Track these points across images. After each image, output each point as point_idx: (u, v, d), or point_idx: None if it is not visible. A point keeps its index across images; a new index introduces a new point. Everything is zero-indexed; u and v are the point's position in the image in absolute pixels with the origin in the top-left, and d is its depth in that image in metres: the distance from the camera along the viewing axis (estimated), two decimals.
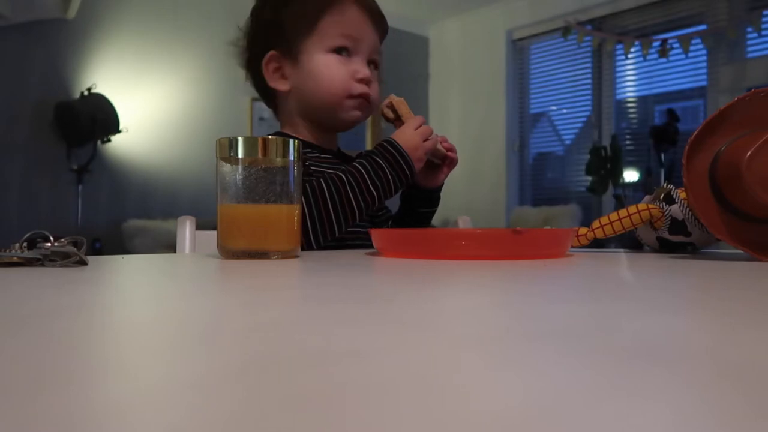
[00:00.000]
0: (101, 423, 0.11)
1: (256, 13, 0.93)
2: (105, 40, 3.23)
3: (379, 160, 0.81)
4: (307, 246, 0.78)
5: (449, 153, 0.92)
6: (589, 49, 3.86)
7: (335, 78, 0.87)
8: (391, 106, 0.90)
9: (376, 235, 0.62)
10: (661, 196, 0.71)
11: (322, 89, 0.88)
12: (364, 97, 0.89)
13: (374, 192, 0.80)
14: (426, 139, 0.85)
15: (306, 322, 0.22)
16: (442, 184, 0.96)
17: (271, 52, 0.90)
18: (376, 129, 4.20)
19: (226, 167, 0.60)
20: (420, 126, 0.85)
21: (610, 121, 3.84)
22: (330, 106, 0.89)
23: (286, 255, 0.59)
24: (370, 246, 0.83)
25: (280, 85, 0.91)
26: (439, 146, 0.90)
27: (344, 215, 0.78)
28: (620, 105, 3.85)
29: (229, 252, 0.59)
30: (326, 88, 0.88)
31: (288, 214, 0.59)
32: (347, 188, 0.78)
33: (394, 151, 0.82)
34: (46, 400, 0.12)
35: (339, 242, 0.86)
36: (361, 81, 0.88)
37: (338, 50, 0.88)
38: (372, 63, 0.92)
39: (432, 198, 0.97)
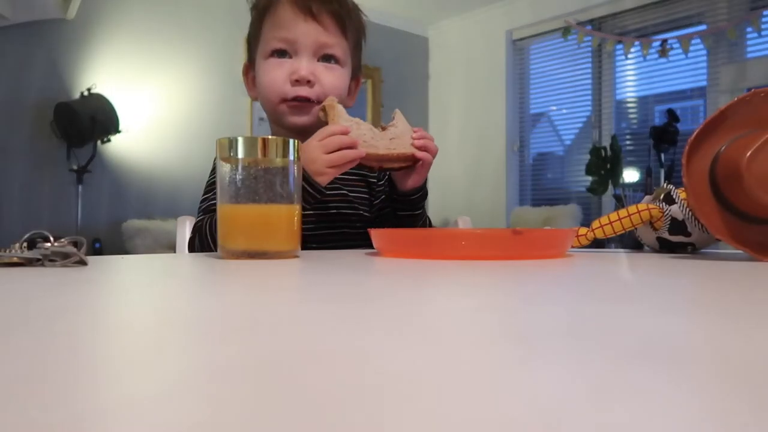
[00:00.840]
0: (101, 423, 0.11)
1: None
2: (105, 40, 3.22)
3: None
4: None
5: (418, 153, 0.81)
6: (589, 49, 3.86)
7: (270, 83, 0.84)
8: (324, 109, 0.81)
9: (376, 235, 0.62)
10: (661, 196, 0.71)
11: (263, 97, 0.87)
12: (300, 100, 0.83)
13: None
14: (331, 151, 0.74)
15: (306, 323, 0.22)
16: (421, 187, 0.87)
17: (245, 63, 0.93)
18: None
19: (226, 167, 0.60)
20: (325, 138, 0.75)
21: (610, 121, 3.84)
22: (272, 113, 0.87)
23: (285, 255, 0.59)
24: (363, 247, 0.83)
25: (252, 93, 0.92)
26: (403, 150, 0.80)
27: None
28: (620, 105, 3.85)
29: (229, 252, 0.59)
30: (265, 95, 0.86)
31: (288, 214, 0.59)
32: None
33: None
34: (46, 400, 0.12)
35: (330, 245, 0.86)
36: (298, 82, 0.83)
37: (279, 53, 0.84)
38: (331, 59, 0.85)
39: (410, 201, 0.87)
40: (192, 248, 0.79)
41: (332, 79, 0.85)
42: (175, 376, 0.14)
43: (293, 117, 0.85)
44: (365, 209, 0.93)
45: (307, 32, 0.83)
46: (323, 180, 0.75)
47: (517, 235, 0.56)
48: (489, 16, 4.24)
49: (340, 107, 0.80)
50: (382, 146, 0.80)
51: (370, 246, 0.65)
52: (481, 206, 4.22)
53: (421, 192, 0.87)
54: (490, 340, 0.19)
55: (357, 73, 0.94)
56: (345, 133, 0.76)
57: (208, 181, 0.89)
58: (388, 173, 0.90)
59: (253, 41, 0.89)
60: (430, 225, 0.98)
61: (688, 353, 0.17)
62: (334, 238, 0.88)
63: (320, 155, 0.74)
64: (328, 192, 0.87)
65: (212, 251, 0.73)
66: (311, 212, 0.85)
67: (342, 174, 0.90)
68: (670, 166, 3.20)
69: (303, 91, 0.83)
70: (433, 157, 0.84)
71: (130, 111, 3.20)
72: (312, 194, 0.75)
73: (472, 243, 0.59)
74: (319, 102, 0.83)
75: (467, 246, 0.58)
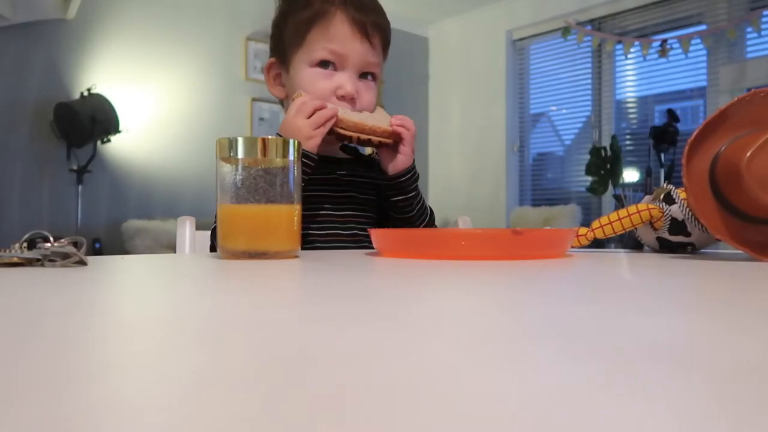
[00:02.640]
0: (101, 423, 0.11)
1: (273, 20, 0.93)
2: (105, 40, 3.23)
3: None
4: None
5: (396, 128, 0.84)
6: (589, 49, 3.86)
7: (314, 93, 0.85)
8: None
9: (376, 235, 0.62)
10: (661, 196, 0.71)
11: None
12: None
13: None
14: (310, 115, 0.79)
15: (306, 323, 0.22)
16: (409, 169, 0.88)
17: (271, 59, 0.93)
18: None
19: (226, 167, 0.60)
20: (299, 107, 0.79)
21: (610, 121, 3.84)
22: None
23: (285, 255, 0.59)
24: (361, 248, 0.83)
25: (277, 92, 0.94)
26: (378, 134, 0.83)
27: None
28: (620, 105, 3.85)
29: (229, 252, 0.59)
30: None
31: (288, 214, 0.59)
32: None
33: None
34: (46, 399, 0.12)
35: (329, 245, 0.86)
36: (343, 98, 0.85)
37: (324, 63, 0.86)
38: (369, 75, 0.89)
39: (400, 185, 0.88)
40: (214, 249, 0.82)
41: (370, 96, 0.89)
42: (174, 376, 0.14)
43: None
44: (375, 212, 0.94)
45: (359, 51, 0.86)
46: (314, 143, 0.79)
47: (517, 236, 0.56)
48: (489, 16, 4.24)
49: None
50: (358, 117, 0.83)
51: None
52: (481, 206, 4.22)
53: (410, 174, 0.89)
54: (490, 340, 0.19)
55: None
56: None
57: None
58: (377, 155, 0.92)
59: (291, 44, 0.89)
60: (432, 214, 0.97)
61: (688, 353, 0.17)
62: (344, 239, 0.88)
63: (302, 122, 0.79)
64: (339, 195, 0.89)
65: None
66: (322, 213, 0.87)
67: (352, 177, 0.91)
68: (670, 166, 3.20)
69: (346, 106, 0.85)
70: (412, 135, 0.86)
71: (130, 111, 3.20)
72: (307, 163, 0.79)
73: (472, 243, 0.59)
74: None
75: (467, 246, 0.58)
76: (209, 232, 0.85)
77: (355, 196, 0.92)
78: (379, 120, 0.85)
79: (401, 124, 0.85)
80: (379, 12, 0.89)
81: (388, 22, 0.91)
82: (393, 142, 0.85)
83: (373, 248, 0.67)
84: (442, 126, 4.54)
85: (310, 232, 0.86)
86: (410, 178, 0.89)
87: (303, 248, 0.83)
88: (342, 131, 0.81)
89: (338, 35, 0.85)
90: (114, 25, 3.25)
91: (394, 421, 0.11)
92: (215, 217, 0.85)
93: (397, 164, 0.87)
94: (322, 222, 0.88)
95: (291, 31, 0.89)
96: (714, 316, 0.25)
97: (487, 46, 4.27)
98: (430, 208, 0.96)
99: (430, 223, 0.96)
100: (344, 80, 0.85)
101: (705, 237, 0.69)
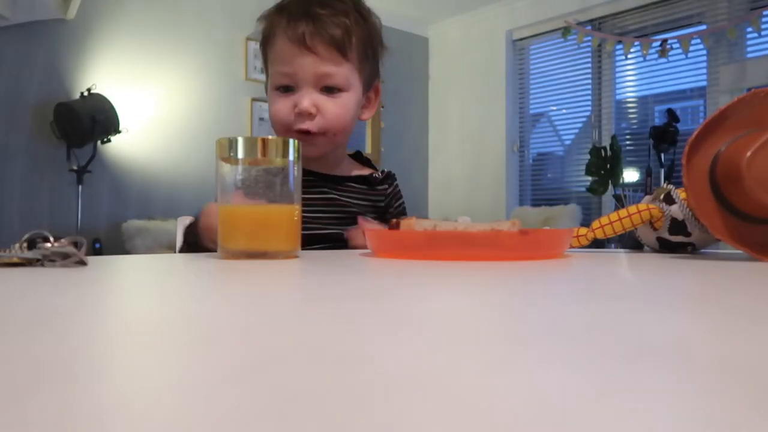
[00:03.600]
0: (101, 423, 0.11)
1: None
2: (105, 40, 3.22)
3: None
4: None
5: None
6: (589, 49, 3.86)
7: (275, 114, 0.85)
8: None
9: (374, 235, 0.62)
10: (661, 196, 0.71)
11: (273, 126, 0.89)
12: (303, 132, 0.84)
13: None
14: None
15: (305, 323, 0.22)
16: None
17: (266, 84, 0.94)
18: (376, 127, 4.20)
19: (226, 167, 0.60)
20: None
21: (609, 121, 3.84)
22: None
23: (285, 255, 0.59)
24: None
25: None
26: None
27: None
28: (620, 105, 3.85)
29: (228, 252, 0.59)
30: (273, 125, 0.88)
31: (288, 215, 0.59)
32: None
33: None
34: (45, 399, 0.12)
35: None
36: (301, 115, 0.83)
37: (284, 88, 0.85)
38: (333, 89, 0.84)
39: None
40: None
41: (335, 108, 0.84)
42: (174, 376, 0.14)
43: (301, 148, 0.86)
44: (374, 214, 0.93)
45: (304, 65, 0.82)
46: (206, 244, 0.73)
47: (524, 236, 0.56)
48: (489, 16, 4.24)
49: None
50: None
51: None
52: (481, 206, 4.22)
53: None
54: (490, 341, 0.19)
55: (373, 82, 0.92)
56: None
57: None
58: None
59: (265, 70, 0.90)
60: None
61: (688, 353, 0.17)
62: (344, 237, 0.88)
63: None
64: (335, 216, 0.88)
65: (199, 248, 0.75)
66: (324, 215, 0.87)
67: (350, 198, 0.90)
68: (670, 166, 3.20)
69: (305, 124, 0.83)
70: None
71: (130, 111, 3.19)
72: (191, 245, 0.75)
73: (471, 244, 0.58)
74: (322, 133, 0.84)
75: (465, 247, 0.58)
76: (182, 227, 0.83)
77: (352, 217, 0.89)
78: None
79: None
80: (330, 14, 0.83)
81: (345, 24, 0.84)
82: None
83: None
84: (442, 126, 4.54)
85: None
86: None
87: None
88: None
89: (282, 55, 0.83)
90: (114, 25, 3.25)
91: (393, 421, 0.11)
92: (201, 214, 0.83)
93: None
94: (315, 243, 0.85)
95: (263, 58, 0.90)
96: (714, 316, 0.25)
97: (487, 46, 4.27)
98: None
99: None
100: (299, 97, 0.83)
101: (705, 237, 0.69)
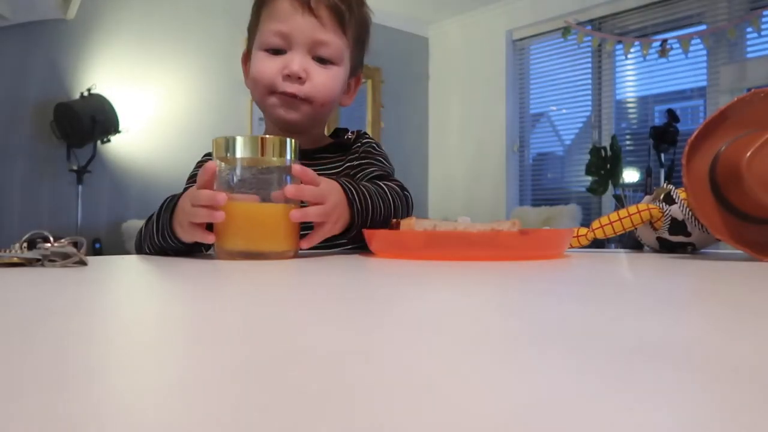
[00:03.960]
0: (100, 423, 0.11)
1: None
2: (105, 40, 3.22)
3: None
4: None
5: (288, 193, 0.61)
6: (589, 49, 3.86)
7: (260, 74, 0.81)
8: None
9: (374, 235, 0.62)
10: (661, 197, 0.71)
11: (253, 87, 0.84)
12: (289, 96, 0.80)
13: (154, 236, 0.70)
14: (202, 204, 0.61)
15: (304, 323, 0.22)
16: (350, 225, 0.69)
17: (245, 51, 0.90)
18: (376, 127, 4.19)
19: (223, 167, 0.59)
20: (193, 193, 0.63)
21: (610, 121, 3.84)
22: (261, 105, 0.85)
23: (283, 255, 0.59)
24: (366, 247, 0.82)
25: (247, 83, 0.89)
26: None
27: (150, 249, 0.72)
28: (620, 105, 3.85)
29: (225, 253, 0.58)
30: (253, 86, 0.84)
31: (285, 214, 0.59)
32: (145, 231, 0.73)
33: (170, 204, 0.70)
34: (45, 399, 0.12)
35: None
36: (289, 77, 0.79)
37: (275, 51, 0.81)
38: (326, 60, 0.81)
39: (353, 239, 0.72)
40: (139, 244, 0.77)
41: (324, 78, 0.81)
42: (173, 376, 0.14)
43: (281, 111, 0.81)
44: None
45: (303, 27, 0.80)
46: (185, 237, 0.64)
47: (523, 236, 0.56)
48: (489, 16, 4.24)
49: None
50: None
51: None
52: (481, 206, 4.22)
53: (353, 227, 0.70)
54: (490, 341, 0.19)
55: (357, 70, 0.90)
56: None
57: (189, 174, 0.86)
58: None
59: (251, 31, 0.87)
60: (405, 197, 0.79)
61: (687, 353, 0.17)
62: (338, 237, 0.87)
63: (188, 207, 0.63)
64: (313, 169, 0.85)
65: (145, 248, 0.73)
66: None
67: (336, 168, 0.87)
68: (670, 166, 3.20)
69: (292, 87, 0.80)
70: (314, 194, 0.64)
71: (130, 111, 3.20)
72: (171, 244, 0.67)
73: (470, 244, 0.58)
74: (308, 100, 0.81)
75: (465, 247, 0.58)
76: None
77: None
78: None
79: (295, 186, 0.62)
80: None
81: (348, 2, 0.82)
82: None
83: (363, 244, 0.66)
84: (442, 126, 4.54)
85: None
86: (353, 232, 0.70)
87: None
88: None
89: (281, 13, 0.80)
90: (114, 25, 3.25)
91: (393, 421, 0.11)
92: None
93: (316, 238, 0.66)
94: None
95: (251, 19, 0.87)
96: (713, 316, 0.25)
97: (487, 46, 4.27)
98: (399, 191, 0.78)
99: (405, 206, 0.79)
100: (290, 59, 0.80)
101: (705, 237, 0.69)
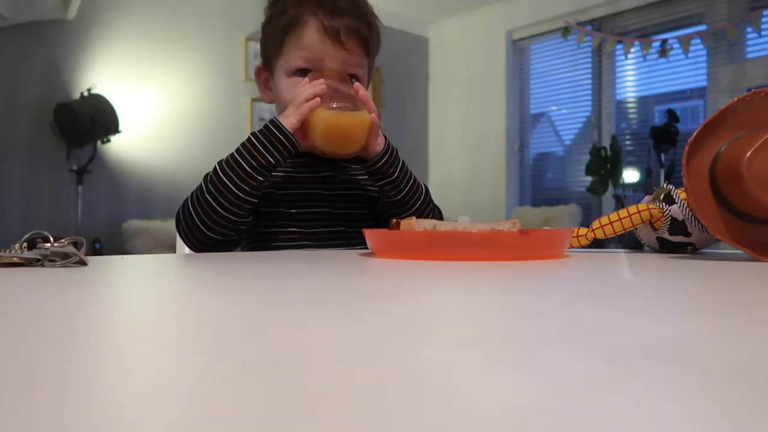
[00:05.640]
0: (100, 423, 0.11)
1: (262, 24, 0.93)
2: (105, 40, 3.23)
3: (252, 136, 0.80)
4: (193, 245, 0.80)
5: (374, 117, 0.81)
6: (589, 49, 3.86)
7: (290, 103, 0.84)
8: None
9: (373, 235, 0.62)
10: (661, 197, 0.71)
11: (281, 112, 0.87)
12: None
13: (241, 162, 0.77)
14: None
15: (305, 323, 0.22)
16: (384, 153, 0.83)
17: (259, 65, 0.94)
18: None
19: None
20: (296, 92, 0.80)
21: (610, 122, 3.84)
22: None
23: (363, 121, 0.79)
24: (361, 246, 0.83)
25: (267, 96, 0.94)
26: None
27: (221, 198, 0.77)
28: (620, 105, 3.85)
29: (322, 120, 0.77)
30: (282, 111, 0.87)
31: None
32: (219, 173, 0.78)
33: (268, 122, 0.80)
34: (45, 399, 0.12)
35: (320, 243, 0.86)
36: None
37: (301, 72, 0.85)
38: (352, 77, 0.87)
39: (378, 171, 0.84)
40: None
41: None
42: (174, 376, 0.14)
43: None
44: (365, 211, 0.93)
45: (335, 57, 0.84)
46: (290, 122, 0.78)
47: (524, 236, 0.56)
48: (489, 16, 4.24)
49: None
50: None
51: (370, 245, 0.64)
52: (481, 206, 4.22)
53: (386, 157, 0.84)
54: (490, 341, 0.19)
55: (370, 76, 0.95)
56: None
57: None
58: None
59: (272, 51, 0.89)
60: (427, 192, 0.91)
61: (687, 353, 0.17)
62: (331, 236, 0.88)
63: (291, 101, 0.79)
64: (333, 193, 0.89)
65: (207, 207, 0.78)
66: (316, 212, 0.87)
67: (346, 174, 0.90)
68: (670, 166, 3.20)
69: None
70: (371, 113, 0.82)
71: (130, 111, 3.20)
72: (282, 140, 0.78)
73: (470, 244, 0.58)
74: None
75: (464, 247, 0.58)
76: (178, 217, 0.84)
77: (351, 193, 0.91)
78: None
79: (373, 109, 0.81)
80: (357, 13, 0.86)
81: (370, 23, 0.88)
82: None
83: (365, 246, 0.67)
84: (442, 126, 4.54)
85: (303, 231, 0.87)
86: (387, 161, 0.84)
87: (294, 248, 0.83)
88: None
89: (311, 43, 0.84)
90: (114, 25, 3.25)
91: (393, 422, 0.11)
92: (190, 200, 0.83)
93: (369, 151, 0.83)
94: (314, 220, 0.88)
95: (271, 37, 0.89)
96: (714, 316, 0.25)
97: (487, 46, 4.27)
98: (425, 186, 0.91)
99: (426, 202, 0.90)
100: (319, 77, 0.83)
101: (705, 237, 0.69)
